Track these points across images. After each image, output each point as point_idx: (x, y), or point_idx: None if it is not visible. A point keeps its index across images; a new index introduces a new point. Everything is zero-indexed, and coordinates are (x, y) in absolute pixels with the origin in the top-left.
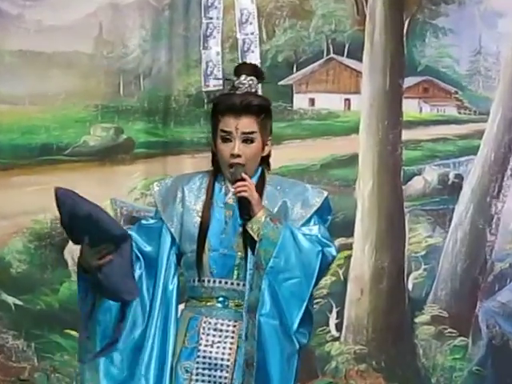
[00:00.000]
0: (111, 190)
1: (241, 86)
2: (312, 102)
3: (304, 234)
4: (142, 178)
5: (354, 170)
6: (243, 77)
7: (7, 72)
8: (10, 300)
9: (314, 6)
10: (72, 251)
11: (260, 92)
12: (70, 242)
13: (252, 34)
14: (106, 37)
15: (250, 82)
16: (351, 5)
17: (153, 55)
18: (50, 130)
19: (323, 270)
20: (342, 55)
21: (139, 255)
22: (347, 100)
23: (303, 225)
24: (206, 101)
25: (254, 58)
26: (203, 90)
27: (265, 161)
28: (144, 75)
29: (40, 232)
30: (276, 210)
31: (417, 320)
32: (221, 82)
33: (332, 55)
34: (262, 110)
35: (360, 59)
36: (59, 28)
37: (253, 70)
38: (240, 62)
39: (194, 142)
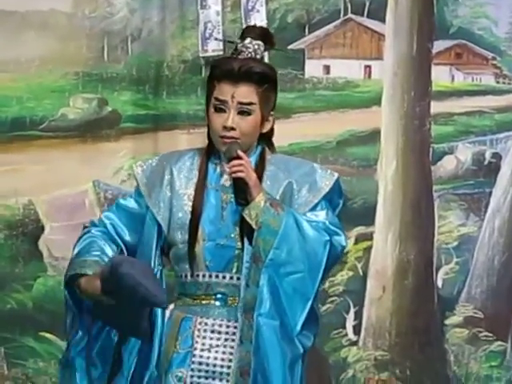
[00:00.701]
0: (94, 171)
1: (244, 50)
2: (327, 69)
3: (309, 221)
4: (130, 156)
5: (375, 147)
6: (248, 40)
7: None
8: None
9: None
10: (49, 242)
11: (266, 59)
12: (47, 230)
13: None
14: None
15: (256, 47)
16: None
17: (142, 15)
18: (23, 101)
19: (331, 263)
20: (362, 15)
21: (118, 242)
22: (367, 67)
23: (310, 211)
24: (203, 67)
25: (259, 19)
26: (201, 55)
27: (266, 139)
28: (132, 38)
29: (11, 219)
30: (280, 192)
31: (447, 322)
32: (221, 45)
33: (350, 15)
34: (264, 80)
35: (383, 20)
36: None
37: (261, 34)
38: (243, 22)
39: (190, 115)
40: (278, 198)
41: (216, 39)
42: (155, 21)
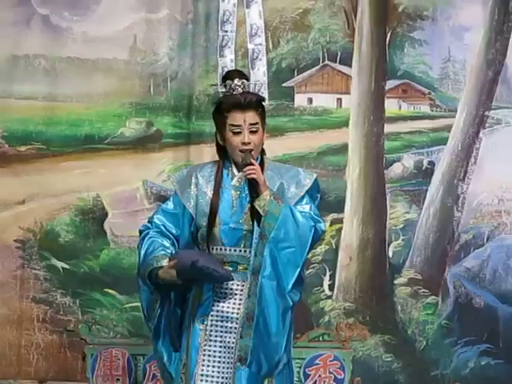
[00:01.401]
0: (143, 173)
1: (237, 87)
2: (310, 100)
3: (300, 212)
4: (169, 163)
5: (344, 157)
6: (236, 80)
7: (58, 75)
8: (59, 264)
9: (311, 21)
10: (111, 225)
11: (267, 93)
12: (110, 215)
13: (260, 44)
14: (140, 46)
15: (243, 83)
16: (343, 20)
17: (178, 61)
18: (93, 123)
19: (315, 242)
20: (335, 62)
21: (170, 236)
22: (339, 99)
23: (297, 202)
24: None
25: (261, 65)
26: (219, 90)
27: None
28: (171, 78)
29: (84, 208)
30: (275, 189)
31: (396, 282)
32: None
33: (327, 62)
34: (259, 105)
35: (350, 65)
36: (101, 39)
37: (241, 74)
38: (250, 68)
39: (212, 133)
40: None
41: (211, 85)
42: (187, 66)
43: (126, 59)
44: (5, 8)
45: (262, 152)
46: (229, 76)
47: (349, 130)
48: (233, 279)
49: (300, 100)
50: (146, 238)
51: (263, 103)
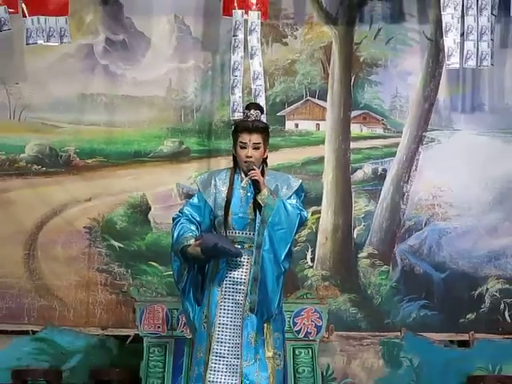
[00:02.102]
0: (176, 178)
1: (251, 116)
2: (296, 125)
3: (289, 204)
4: (195, 171)
5: (321, 166)
6: (252, 110)
7: (115, 108)
8: (116, 244)
9: (297, 69)
10: (153, 215)
11: (264, 119)
12: (153, 209)
13: (260, 85)
14: (174, 87)
15: (257, 113)
16: (320, 68)
17: (201, 98)
18: (140, 142)
19: (300, 225)
20: (315, 98)
21: (195, 223)
22: (318, 124)
23: (287, 198)
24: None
25: (261, 100)
26: (231, 118)
27: (264, 161)
28: (196, 109)
29: (134, 203)
30: (273, 188)
31: (359, 256)
32: (241, 115)
33: (308, 98)
34: (264, 130)
35: (325, 100)
36: (146, 81)
37: (257, 107)
38: (253, 102)
39: (226, 149)
40: None
41: (238, 112)
42: (208, 101)
43: (164, 96)
44: (76, 60)
45: (265, 163)
46: (248, 106)
47: (324, 146)
48: (241, 255)
49: (289, 125)
50: (178, 224)
51: (268, 129)
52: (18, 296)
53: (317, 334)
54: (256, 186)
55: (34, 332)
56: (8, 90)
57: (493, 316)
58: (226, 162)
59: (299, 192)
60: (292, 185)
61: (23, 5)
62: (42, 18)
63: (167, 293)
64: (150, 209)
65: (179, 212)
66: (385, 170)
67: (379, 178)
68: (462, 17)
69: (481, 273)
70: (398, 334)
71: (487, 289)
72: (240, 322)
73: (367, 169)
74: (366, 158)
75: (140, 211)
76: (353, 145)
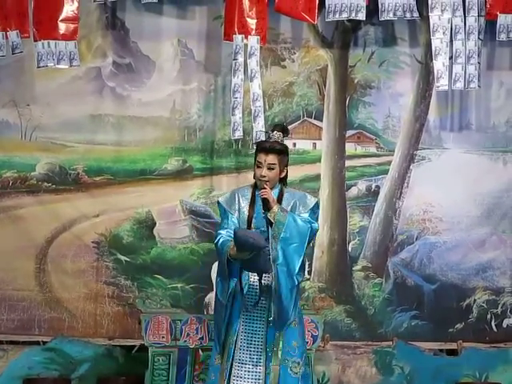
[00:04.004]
0: (180, 194)
1: (272, 137)
2: (294, 144)
3: (300, 218)
4: (198, 188)
5: (318, 183)
6: (275, 132)
7: (122, 128)
8: (122, 258)
9: (295, 90)
10: (158, 230)
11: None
12: (158, 224)
13: (260, 106)
14: (178, 107)
15: (278, 135)
16: (316, 89)
17: (204, 118)
18: (146, 160)
19: (311, 238)
20: (311, 118)
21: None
22: (314, 143)
23: (302, 214)
24: (234, 145)
25: (261, 120)
26: (232, 138)
27: (283, 180)
28: (199, 129)
29: (139, 219)
30: (290, 206)
31: (353, 268)
32: (241, 133)
33: (306, 118)
34: (280, 152)
35: (321, 120)
36: (151, 102)
37: (281, 128)
38: (253, 122)
39: (228, 167)
40: (288, 208)
41: (262, 131)
42: (210, 121)
43: (168, 116)
44: (85, 82)
45: (283, 183)
46: (272, 128)
47: (321, 164)
48: (268, 247)
49: (288, 144)
50: (220, 238)
51: (286, 151)
52: (29, 308)
53: (313, 343)
54: (266, 204)
55: (44, 342)
56: (19, 111)
57: (480, 326)
58: (227, 180)
59: (315, 209)
60: (307, 203)
61: (34, 30)
62: (52, 43)
63: (171, 304)
64: (155, 224)
65: (216, 237)
66: (378, 187)
67: (373, 194)
68: (451, 41)
69: (469, 284)
70: (390, 343)
71: (475, 300)
72: (263, 330)
73: (361, 186)
74: (360, 175)
75: (145, 226)
76: (348, 163)
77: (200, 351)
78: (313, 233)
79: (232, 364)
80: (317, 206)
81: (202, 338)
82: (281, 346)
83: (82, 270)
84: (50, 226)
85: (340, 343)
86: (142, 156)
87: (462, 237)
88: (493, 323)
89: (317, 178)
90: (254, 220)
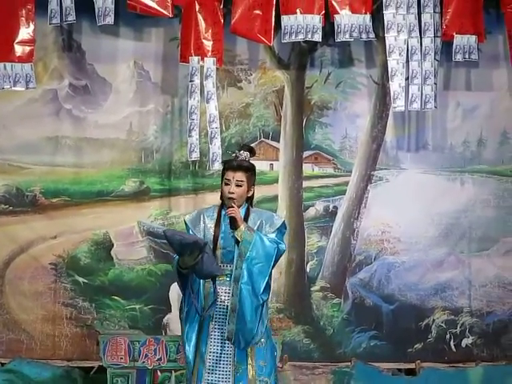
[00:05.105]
0: (137, 215)
1: (240, 156)
2: None
3: (266, 237)
4: (156, 209)
5: (275, 203)
6: (242, 151)
7: (79, 150)
8: (80, 279)
9: (252, 111)
10: (116, 252)
11: (220, 161)
12: (115, 245)
13: (216, 127)
14: (134, 129)
15: (246, 154)
16: (273, 110)
17: (161, 139)
18: (103, 182)
19: (277, 258)
20: (268, 139)
21: None
22: (271, 164)
23: (269, 233)
24: (191, 166)
25: (217, 142)
26: (189, 159)
27: (250, 199)
28: (156, 150)
29: (97, 240)
30: (257, 225)
31: (312, 289)
32: (198, 155)
33: (262, 139)
34: (248, 169)
35: (278, 141)
36: (108, 124)
37: (248, 148)
38: (209, 144)
39: (185, 188)
40: (255, 228)
41: (244, 147)
42: (167, 142)
43: (125, 138)
44: (41, 104)
45: (250, 202)
46: (240, 148)
47: (278, 185)
48: (207, 243)
49: None
50: (176, 257)
51: (253, 169)
52: None
53: None
54: (233, 222)
55: (2, 364)
56: None
57: (439, 346)
58: (184, 201)
59: (282, 229)
60: (275, 222)
61: None
62: (8, 65)
63: (129, 325)
64: (112, 245)
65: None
66: (336, 208)
67: (330, 214)
68: (407, 62)
69: (428, 304)
70: (349, 363)
71: (434, 320)
72: (231, 351)
73: (319, 206)
74: (317, 196)
75: (103, 248)
76: (305, 183)
77: (158, 372)
78: (279, 253)
79: None
80: (284, 226)
81: (160, 359)
82: (250, 365)
83: (39, 291)
84: (8, 248)
85: (298, 364)
86: (99, 177)
87: (420, 257)
88: (451, 343)
89: (274, 198)
90: (220, 240)
